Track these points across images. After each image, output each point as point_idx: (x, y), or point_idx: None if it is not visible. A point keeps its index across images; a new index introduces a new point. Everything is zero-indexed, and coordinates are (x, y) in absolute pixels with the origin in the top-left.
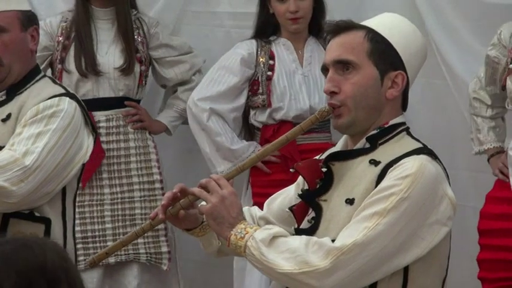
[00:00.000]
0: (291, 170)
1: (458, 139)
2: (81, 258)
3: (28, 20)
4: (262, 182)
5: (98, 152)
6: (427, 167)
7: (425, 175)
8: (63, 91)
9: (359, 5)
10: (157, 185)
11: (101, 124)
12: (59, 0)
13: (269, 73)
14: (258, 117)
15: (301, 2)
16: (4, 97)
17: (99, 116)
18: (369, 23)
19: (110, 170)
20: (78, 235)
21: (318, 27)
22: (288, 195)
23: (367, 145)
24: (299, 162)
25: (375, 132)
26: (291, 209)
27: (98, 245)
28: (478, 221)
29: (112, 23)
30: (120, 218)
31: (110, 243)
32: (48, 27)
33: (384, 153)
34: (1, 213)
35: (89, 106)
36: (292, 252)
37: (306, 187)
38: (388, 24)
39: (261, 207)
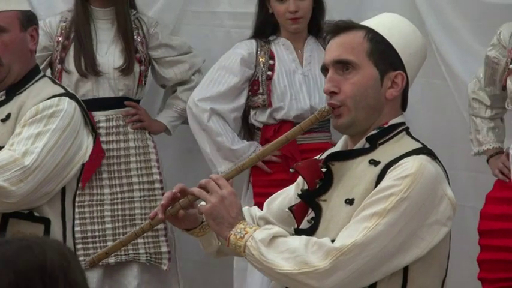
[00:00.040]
0: (290, 170)
1: (458, 139)
2: (81, 258)
3: (28, 20)
4: (263, 181)
5: (98, 152)
6: (427, 167)
7: (425, 175)
8: (62, 91)
9: (359, 5)
10: (157, 185)
11: (101, 124)
12: (58, 0)
13: (269, 73)
14: (259, 117)
15: (301, 1)
16: (3, 97)
17: (99, 116)
18: (369, 23)
19: (109, 170)
20: (78, 235)
21: (317, 27)
22: (288, 195)
23: (367, 145)
24: (299, 163)
25: (374, 132)
26: (290, 209)
27: (97, 245)
28: (477, 221)
29: (111, 23)
30: (120, 218)
31: (109, 244)
32: (47, 27)
33: (384, 153)
34: (0, 213)
35: (89, 106)
36: (292, 252)
37: (306, 187)
38: (387, 24)
39: (262, 207)
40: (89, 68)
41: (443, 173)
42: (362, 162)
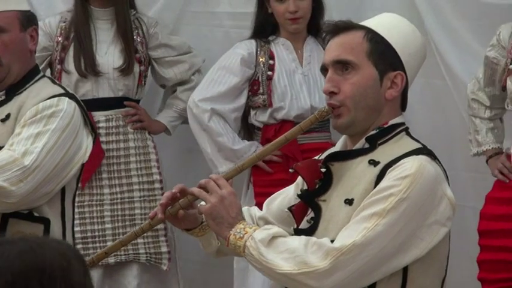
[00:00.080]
0: (290, 170)
1: (457, 139)
2: None
3: (27, 20)
4: (264, 181)
5: (98, 152)
6: (427, 167)
7: (425, 175)
8: (62, 91)
9: (358, 5)
10: (157, 185)
11: (101, 124)
12: (58, 1)
13: (269, 73)
14: (259, 117)
15: (301, 1)
16: (3, 97)
17: (99, 116)
18: (368, 23)
19: (109, 170)
20: (77, 235)
21: (316, 26)
22: (288, 195)
23: (367, 145)
24: (298, 163)
25: (374, 132)
26: (290, 209)
27: (97, 245)
28: (477, 221)
29: (111, 23)
30: (119, 218)
31: (109, 244)
32: (47, 28)
33: (383, 153)
34: (0, 213)
35: (89, 106)
36: (292, 252)
37: (305, 187)
38: (387, 24)
39: (262, 207)
40: (89, 68)
41: (443, 173)
42: (361, 162)
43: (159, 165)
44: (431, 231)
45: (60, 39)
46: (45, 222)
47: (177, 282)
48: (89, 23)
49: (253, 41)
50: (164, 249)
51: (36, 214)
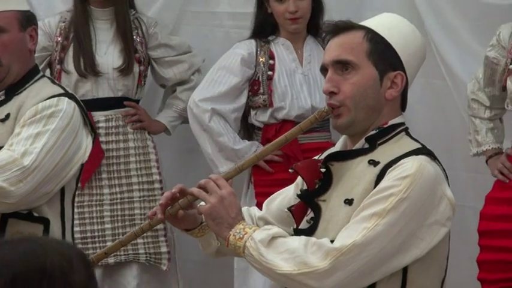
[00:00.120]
0: (290, 170)
1: (457, 139)
2: None
3: (27, 20)
4: (265, 181)
5: (97, 153)
6: (426, 167)
7: (425, 176)
8: (62, 91)
9: (358, 5)
10: (157, 185)
11: (100, 124)
12: (57, 1)
13: (270, 73)
14: (259, 117)
15: (300, 2)
16: (3, 97)
17: (99, 116)
18: (368, 23)
19: (109, 170)
20: (77, 235)
21: (316, 26)
22: (287, 195)
23: (366, 145)
24: (298, 163)
25: (374, 132)
26: (289, 209)
27: (97, 245)
28: (477, 221)
29: (111, 23)
30: (119, 218)
31: (109, 244)
32: (46, 28)
33: (383, 153)
34: (0, 213)
35: (88, 106)
36: (291, 252)
37: (305, 187)
38: (387, 24)
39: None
40: (88, 68)
41: (443, 173)
42: (361, 162)
43: (159, 165)
44: (431, 231)
45: (59, 39)
46: (45, 222)
47: (177, 282)
48: (89, 23)
49: (253, 41)
50: (164, 249)
51: (35, 214)
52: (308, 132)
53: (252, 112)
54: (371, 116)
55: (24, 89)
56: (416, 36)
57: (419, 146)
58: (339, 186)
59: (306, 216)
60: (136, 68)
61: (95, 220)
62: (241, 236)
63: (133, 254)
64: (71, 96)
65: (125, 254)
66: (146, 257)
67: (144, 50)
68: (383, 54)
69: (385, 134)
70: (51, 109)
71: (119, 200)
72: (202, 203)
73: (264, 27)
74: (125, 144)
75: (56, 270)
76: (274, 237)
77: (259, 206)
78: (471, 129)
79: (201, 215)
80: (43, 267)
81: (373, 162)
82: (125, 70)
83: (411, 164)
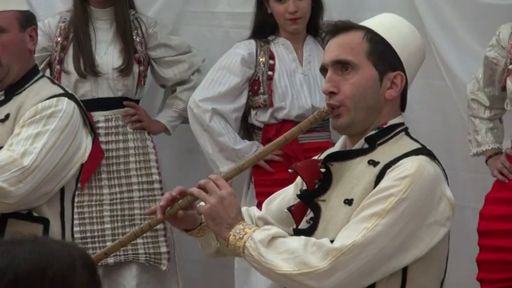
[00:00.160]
0: (289, 170)
1: (457, 139)
2: None
3: (26, 20)
4: (266, 181)
5: (97, 153)
6: (426, 167)
7: (424, 176)
8: (61, 91)
9: (358, 5)
10: (156, 185)
11: (100, 124)
12: (57, 1)
13: (270, 73)
14: (260, 117)
15: (300, 2)
16: (2, 97)
17: (98, 116)
18: (368, 23)
19: (109, 170)
20: (77, 235)
21: (315, 26)
22: (287, 195)
23: (366, 145)
24: (298, 163)
25: (373, 132)
26: (289, 209)
27: (97, 245)
28: (476, 221)
29: (110, 24)
30: (119, 218)
31: (109, 244)
32: (46, 28)
33: (383, 153)
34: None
35: (88, 106)
36: (291, 253)
37: (305, 187)
38: (387, 24)
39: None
40: (88, 68)
41: (442, 173)
42: (361, 162)
43: (159, 165)
44: (430, 231)
45: (59, 39)
46: (45, 222)
47: (177, 282)
48: (88, 23)
49: (252, 41)
50: (163, 249)
51: (35, 214)
52: (308, 132)
53: (252, 112)
54: (371, 116)
55: (24, 89)
56: (416, 37)
57: (419, 146)
58: (339, 187)
59: (305, 217)
60: (136, 68)
61: (94, 220)
62: (241, 236)
63: (133, 254)
64: (70, 97)
65: (124, 254)
66: (146, 257)
67: (143, 50)
68: (383, 54)
69: (384, 134)
70: (51, 109)
71: (118, 200)
72: (202, 203)
73: (264, 28)
74: (125, 144)
75: (57, 272)
76: (274, 238)
77: (260, 205)
78: (471, 129)
79: (200, 215)
80: (45, 268)
81: (373, 163)
82: (124, 70)
83: (411, 164)
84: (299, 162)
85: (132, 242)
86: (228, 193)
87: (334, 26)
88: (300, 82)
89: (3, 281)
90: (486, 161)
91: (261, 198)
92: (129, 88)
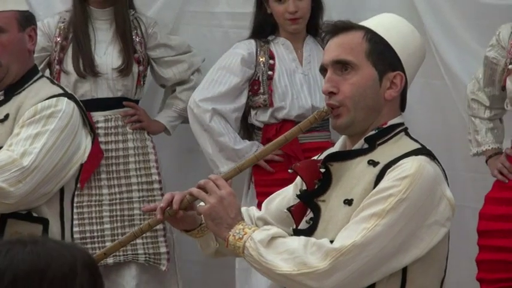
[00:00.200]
0: (289, 170)
1: (456, 139)
2: None
3: (26, 20)
4: (266, 181)
5: (97, 153)
6: (426, 167)
7: (424, 176)
8: (61, 91)
9: (357, 5)
10: (156, 186)
11: (100, 125)
12: (57, 1)
13: (270, 73)
14: (260, 117)
15: (300, 2)
16: (2, 97)
17: (98, 116)
18: (367, 23)
19: (108, 170)
20: (76, 236)
21: (315, 26)
22: (287, 195)
23: (366, 145)
24: (297, 163)
25: (373, 132)
26: (289, 209)
27: (96, 245)
28: (476, 221)
29: (110, 24)
30: (118, 218)
31: (108, 244)
32: (46, 28)
33: (383, 153)
34: None
35: (87, 107)
36: (291, 253)
37: (305, 187)
38: (386, 24)
39: None
40: (88, 68)
41: (442, 173)
42: (361, 162)
43: (158, 165)
44: (430, 231)
45: (58, 39)
46: (44, 222)
47: (176, 282)
48: (88, 24)
49: (252, 41)
50: (163, 249)
51: (35, 214)
52: (308, 131)
53: (252, 112)
54: (370, 116)
55: (24, 89)
56: (416, 37)
57: (419, 146)
58: (339, 187)
59: (305, 217)
60: (135, 68)
61: (94, 220)
62: (240, 236)
63: (132, 254)
64: (70, 97)
65: (123, 255)
66: (145, 257)
67: (143, 50)
68: (382, 54)
69: (384, 134)
70: (51, 109)
71: (118, 201)
72: (202, 204)
73: (264, 28)
74: (124, 144)
75: (57, 272)
76: (273, 238)
77: (260, 205)
78: (471, 129)
79: (200, 215)
80: (44, 269)
81: (373, 163)
82: (124, 70)
83: (411, 165)
84: (299, 162)
85: (132, 242)
86: (227, 193)
87: (333, 26)
88: (300, 82)
89: (3, 282)
90: (486, 161)
91: (261, 198)
92: (128, 88)
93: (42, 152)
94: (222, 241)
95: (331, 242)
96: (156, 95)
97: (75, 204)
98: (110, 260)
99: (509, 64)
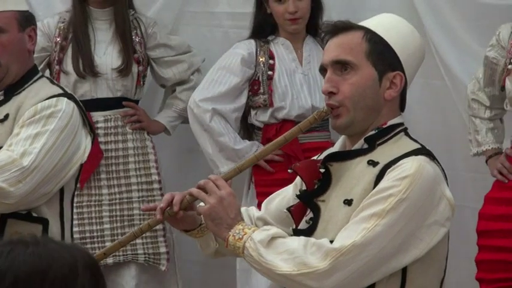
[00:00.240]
0: (289, 170)
1: (456, 139)
2: None
3: (26, 20)
4: (266, 181)
5: (96, 153)
6: (426, 168)
7: (424, 176)
8: (61, 91)
9: (357, 6)
10: (156, 186)
11: (99, 125)
12: (56, 1)
13: (270, 73)
14: (260, 117)
15: (300, 2)
16: (2, 97)
17: (97, 116)
18: (367, 23)
19: (108, 170)
20: (76, 236)
21: (315, 26)
22: (286, 195)
23: (365, 146)
24: (297, 163)
25: (373, 132)
26: (289, 209)
27: (96, 245)
28: (476, 221)
29: (110, 24)
30: (118, 218)
31: (108, 244)
32: (45, 28)
33: (382, 153)
34: None
35: (87, 107)
36: (291, 253)
37: (304, 188)
38: (386, 24)
39: None
40: (87, 68)
41: (442, 173)
42: (360, 162)
43: (158, 165)
44: (430, 231)
45: (58, 39)
46: (44, 222)
47: (176, 282)
48: (87, 24)
49: (252, 41)
50: (163, 249)
51: (34, 214)
52: (308, 131)
53: (252, 112)
54: (370, 116)
55: (23, 89)
56: (415, 37)
57: (419, 146)
58: (338, 187)
59: (305, 217)
60: (135, 68)
61: (93, 220)
62: (240, 236)
63: (132, 254)
64: (70, 97)
65: (123, 254)
66: (145, 257)
67: (143, 50)
68: (382, 54)
69: (384, 134)
70: (50, 109)
71: (117, 201)
72: (202, 204)
73: (264, 28)
74: (124, 144)
75: (58, 273)
76: (273, 238)
77: (261, 205)
78: (471, 129)
79: (200, 215)
80: (45, 270)
81: (373, 163)
82: (123, 70)
83: (410, 165)
84: (298, 162)
85: (131, 242)
86: (227, 193)
87: (333, 26)
88: (300, 82)
89: (4, 283)
90: (486, 161)
91: (261, 198)
92: (128, 88)
93: (42, 152)
94: (222, 241)
95: (331, 242)
96: (156, 95)
97: (75, 204)
98: (109, 260)
99: (509, 64)
